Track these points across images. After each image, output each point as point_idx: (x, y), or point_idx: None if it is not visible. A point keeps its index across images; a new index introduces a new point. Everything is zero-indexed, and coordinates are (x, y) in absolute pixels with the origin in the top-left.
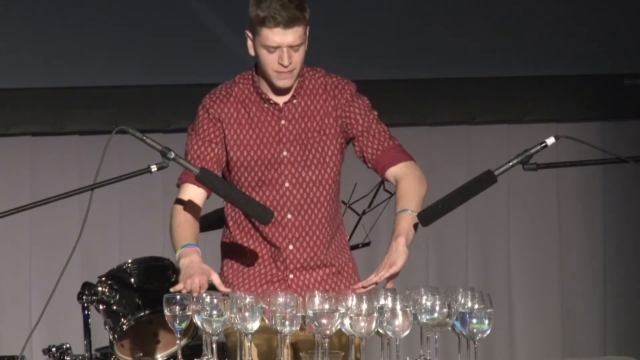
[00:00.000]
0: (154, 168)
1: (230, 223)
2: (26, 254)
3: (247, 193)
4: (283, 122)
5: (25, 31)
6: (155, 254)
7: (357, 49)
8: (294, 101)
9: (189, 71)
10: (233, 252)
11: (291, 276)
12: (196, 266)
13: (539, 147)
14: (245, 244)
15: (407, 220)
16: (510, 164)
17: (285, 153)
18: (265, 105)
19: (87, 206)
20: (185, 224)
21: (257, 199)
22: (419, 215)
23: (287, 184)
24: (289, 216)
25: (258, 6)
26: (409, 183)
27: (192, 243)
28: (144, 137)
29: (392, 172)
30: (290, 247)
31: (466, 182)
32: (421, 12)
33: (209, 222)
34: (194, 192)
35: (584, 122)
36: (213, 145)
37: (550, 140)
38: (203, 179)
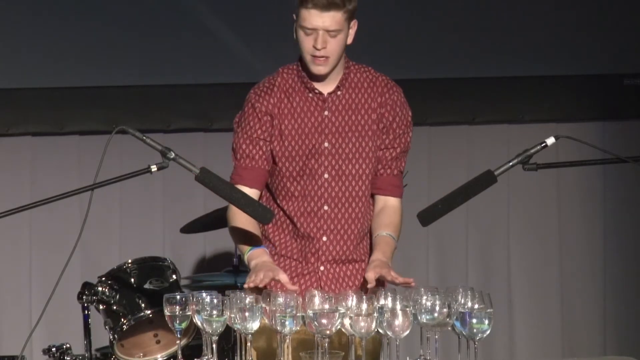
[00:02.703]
0: (154, 168)
1: None
2: (26, 254)
3: (287, 184)
4: (326, 112)
5: (25, 31)
6: (155, 254)
7: (356, 49)
8: (338, 92)
9: (189, 71)
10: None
11: (322, 268)
12: (266, 265)
13: (539, 147)
14: (277, 237)
15: (390, 246)
16: (510, 164)
17: (326, 144)
18: (310, 95)
19: (87, 206)
20: (247, 226)
21: (298, 189)
22: (419, 215)
23: (326, 175)
24: (326, 207)
25: None
26: (398, 216)
27: (260, 245)
28: (144, 137)
29: (384, 198)
30: (324, 238)
31: (466, 182)
32: (421, 12)
33: (209, 222)
34: (247, 192)
35: (584, 122)
36: (261, 143)
37: (550, 140)
38: (203, 179)
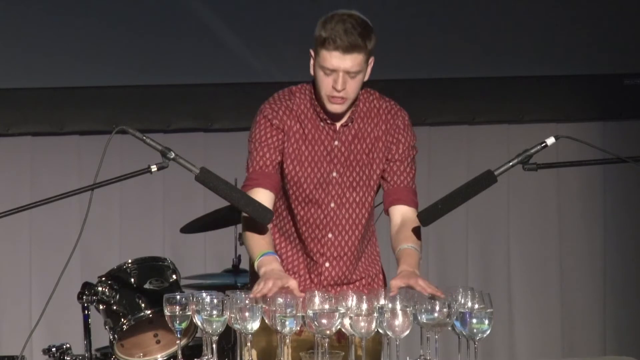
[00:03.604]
0: (154, 168)
1: (275, 230)
2: (26, 254)
3: (295, 209)
4: (336, 142)
5: (25, 31)
6: (155, 254)
7: None
8: (349, 124)
9: (189, 71)
10: None
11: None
12: (275, 274)
13: (539, 147)
14: (284, 250)
15: (413, 257)
16: (510, 164)
17: (334, 174)
18: (321, 124)
19: (87, 206)
20: (260, 232)
21: (301, 214)
22: (419, 215)
23: (332, 205)
24: (330, 235)
25: (323, 27)
26: (419, 228)
27: (271, 251)
28: (144, 137)
29: (401, 210)
30: (327, 264)
31: (466, 182)
32: (421, 12)
33: (209, 222)
34: (264, 196)
35: (584, 122)
36: (276, 152)
37: (550, 140)
38: (203, 179)
